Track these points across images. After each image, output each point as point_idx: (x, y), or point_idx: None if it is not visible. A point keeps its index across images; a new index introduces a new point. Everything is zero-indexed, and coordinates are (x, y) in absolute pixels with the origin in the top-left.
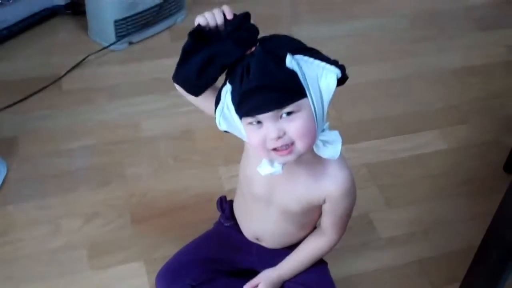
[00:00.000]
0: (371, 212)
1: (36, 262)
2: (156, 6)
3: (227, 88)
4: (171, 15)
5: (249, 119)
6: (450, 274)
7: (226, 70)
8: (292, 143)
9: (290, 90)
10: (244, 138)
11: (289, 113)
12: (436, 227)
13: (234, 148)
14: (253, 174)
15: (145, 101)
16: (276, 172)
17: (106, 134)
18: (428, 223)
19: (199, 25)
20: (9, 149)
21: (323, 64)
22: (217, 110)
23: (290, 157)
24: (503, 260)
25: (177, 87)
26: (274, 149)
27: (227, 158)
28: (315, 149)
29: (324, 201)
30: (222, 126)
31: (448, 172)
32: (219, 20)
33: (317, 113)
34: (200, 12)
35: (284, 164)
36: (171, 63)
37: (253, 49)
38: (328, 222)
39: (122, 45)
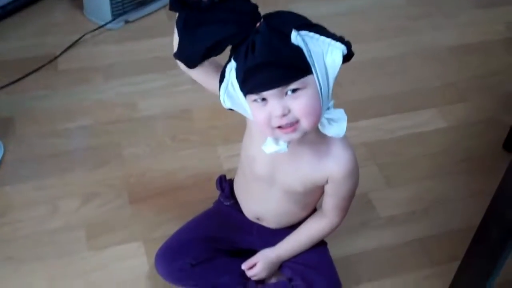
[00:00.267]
0: (370, 191)
1: (35, 243)
2: None
3: (232, 65)
4: None
5: (254, 96)
6: (450, 252)
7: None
8: (297, 121)
9: (296, 67)
10: (249, 116)
11: (294, 90)
12: (435, 205)
13: (233, 128)
14: (256, 154)
15: (142, 81)
16: (281, 150)
17: (103, 114)
18: (428, 201)
19: None
20: (6, 130)
21: (328, 40)
22: (221, 88)
23: (295, 135)
24: (503, 239)
25: (179, 63)
26: (279, 127)
27: (226, 138)
28: (320, 127)
29: (327, 182)
30: (226, 103)
31: (447, 150)
32: None
33: (322, 90)
34: None
35: (289, 143)
36: (168, 41)
37: (257, 25)
38: (330, 204)
39: (118, 24)
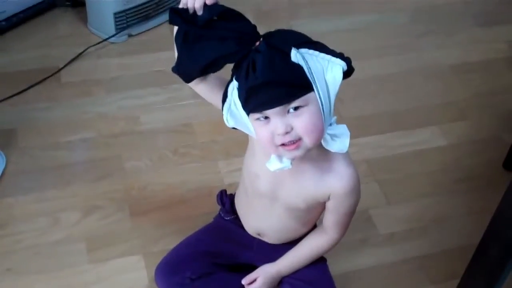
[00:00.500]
0: (370, 208)
1: (36, 255)
2: None
3: (234, 85)
4: (170, 7)
5: (257, 115)
6: (449, 270)
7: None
8: (300, 139)
9: (297, 85)
10: (252, 134)
11: (296, 108)
12: (435, 223)
13: (234, 142)
14: (258, 171)
15: (144, 94)
16: (285, 168)
17: (105, 127)
18: (427, 219)
19: (176, 8)
20: (8, 141)
21: (328, 57)
22: (224, 107)
23: (298, 152)
24: (503, 258)
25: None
26: (282, 144)
27: (227, 152)
28: (323, 143)
29: (329, 198)
30: (230, 123)
31: (447, 168)
32: (198, 4)
33: (324, 106)
34: None
35: (293, 160)
36: (171, 56)
37: (257, 44)
38: (330, 220)
39: (121, 38)
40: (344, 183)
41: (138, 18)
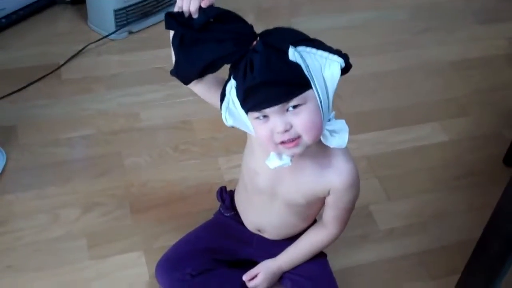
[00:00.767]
0: (370, 204)
1: (36, 252)
2: None
3: (232, 84)
4: (170, 4)
5: (255, 114)
6: (449, 266)
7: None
8: (299, 136)
9: (295, 83)
10: (251, 133)
11: (295, 106)
12: (435, 219)
13: (234, 139)
14: (258, 167)
15: (144, 91)
16: (285, 165)
17: (105, 124)
18: (428, 215)
19: (171, 12)
20: (8, 138)
21: (326, 54)
22: (222, 106)
23: (297, 150)
24: (503, 252)
25: None
26: (282, 142)
27: (227, 149)
28: (322, 139)
29: (329, 193)
30: (228, 121)
31: (448, 165)
32: (193, 7)
33: (322, 103)
34: None
35: (292, 156)
36: (171, 53)
37: (254, 43)
38: (330, 215)
39: (121, 35)
40: (344, 178)
41: (138, 15)
